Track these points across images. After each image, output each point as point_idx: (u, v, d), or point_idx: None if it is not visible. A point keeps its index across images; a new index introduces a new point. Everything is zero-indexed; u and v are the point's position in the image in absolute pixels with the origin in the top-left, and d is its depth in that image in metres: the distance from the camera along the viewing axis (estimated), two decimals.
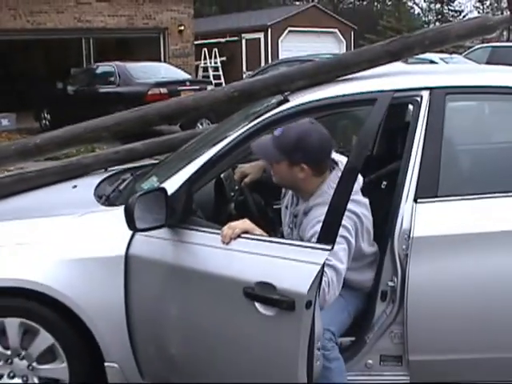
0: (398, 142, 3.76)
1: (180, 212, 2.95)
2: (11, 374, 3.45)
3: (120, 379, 3.32)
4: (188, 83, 16.09)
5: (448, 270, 3.05)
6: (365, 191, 3.15)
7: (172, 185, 3.05)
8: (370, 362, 3.23)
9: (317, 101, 3.31)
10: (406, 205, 3.11)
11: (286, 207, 3.35)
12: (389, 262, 3.11)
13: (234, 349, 2.75)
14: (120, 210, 3.02)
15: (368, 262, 3.20)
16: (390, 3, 43.30)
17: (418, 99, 3.23)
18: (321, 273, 2.41)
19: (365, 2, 56.76)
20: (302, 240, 2.93)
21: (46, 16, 21.58)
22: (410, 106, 3.32)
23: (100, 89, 16.68)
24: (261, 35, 32.23)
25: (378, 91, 3.20)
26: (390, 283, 3.13)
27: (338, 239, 2.68)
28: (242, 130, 3.13)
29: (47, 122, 18.09)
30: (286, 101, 3.41)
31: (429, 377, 3.20)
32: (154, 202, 2.88)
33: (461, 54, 21.01)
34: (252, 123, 3.23)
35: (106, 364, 3.30)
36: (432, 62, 16.87)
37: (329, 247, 2.46)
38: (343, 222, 2.73)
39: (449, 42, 3.57)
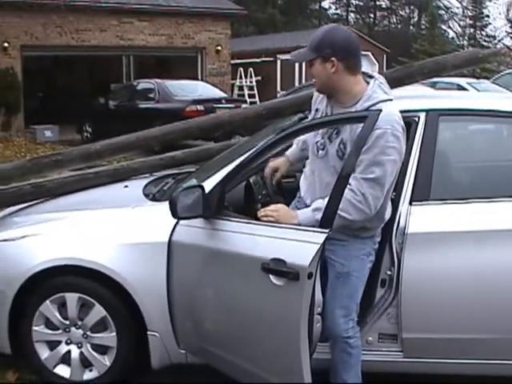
0: None
1: (214, 206, 3.57)
2: (68, 341, 4.12)
3: (159, 346, 3.95)
4: (224, 101, 16.66)
5: (435, 260, 3.66)
6: None
7: (208, 184, 3.69)
8: (370, 339, 3.84)
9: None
10: (403, 206, 3.73)
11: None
12: (387, 254, 3.73)
13: (252, 316, 3.37)
14: (165, 205, 3.65)
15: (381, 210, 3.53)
16: (424, 27, 43.67)
17: (416, 119, 3.86)
18: (320, 250, 3.02)
19: (400, 25, 57.30)
20: (343, 150, 3.37)
21: (90, 34, 22.41)
22: (410, 124, 3.94)
23: (140, 104, 17.39)
24: None
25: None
26: (388, 272, 3.74)
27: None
28: (268, 141, 3.75)
29: (88, 135, 18.81)
30: (306, 118, 4.05)
31: (419, 353, 3.79)
32: (193, 197, 3.52)
33: (489, 79, 21.44)
34: (277, 136, 3.86)
35: (148, 332, 3.93)
36: (459, 86, 17.41)
37: (327, 231, 3.07)
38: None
39: (445, 71, 4.20)
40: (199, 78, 24.60)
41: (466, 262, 3.66)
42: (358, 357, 3.56)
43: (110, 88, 22.12)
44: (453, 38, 54.43)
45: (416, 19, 57.26)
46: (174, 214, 3.48)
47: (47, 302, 4.04)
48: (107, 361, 4.07)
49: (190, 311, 3.80)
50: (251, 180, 4.25)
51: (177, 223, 3.76)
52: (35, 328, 4.09)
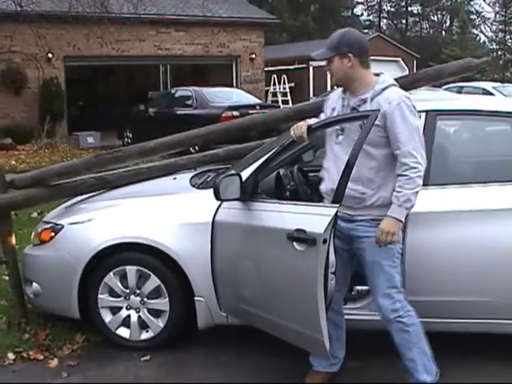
0: None
1: (249, 191, 4.35)
2: (128, 307, 4.92)
3: (204, 309, 4.73)
4: (258, 107, 17.15)
5: (432, 235, 4.41)
6: None
7: (245, 174, 4.45)
8: None
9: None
10: None
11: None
12: None
13: (279, 277, 4.11)
14: (208, 192, 4.45)
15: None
16: (455, 32, 43.97)
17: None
18: (333, 220, 3.77)
19: (431, 31, 57.67)
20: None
21: (130, 44, 23.42)
22: None
23: (178, 110, 18.18)
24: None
25: None
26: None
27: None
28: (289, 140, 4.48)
29: (129, 140, 19.60)
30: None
31: (423, 314, 4.50)
32: (233, 183, 4.31)
33: None
34: None
35: (195, 298, 4.72)
36: (485, 90, 18.01)
37: (337, 205, 3.81)
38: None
39: (443, 77, 4.95)
40: (234, 85, 25.45)
41: (458, 234, 4.40)
42: (416, 334, 3.99)
43: (148, 95, 23.04)
44: (484, 43, 54.73)
45: (448, 24, 57.65)
46: (217, 197, 4.27)
47: (111, 273, 4.86)
48: (161, 323, 4.88)
49: (230, 279, 4.57)
50: (281, 172, 5.01)
51: (219, 206, 4.56)
52: (100, 296, 4.91)
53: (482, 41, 54.34)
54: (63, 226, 5.05)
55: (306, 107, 5.33)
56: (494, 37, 52.48)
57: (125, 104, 23.29)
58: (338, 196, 3.80)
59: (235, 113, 16.29)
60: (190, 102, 18.21)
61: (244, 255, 4.40)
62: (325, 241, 3.73)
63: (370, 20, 64.35)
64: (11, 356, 4.86)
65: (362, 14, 64.74)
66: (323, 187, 4.16)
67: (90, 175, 5.42)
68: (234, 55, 26.15)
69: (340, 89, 4.20)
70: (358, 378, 4.44)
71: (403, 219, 3.89)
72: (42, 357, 4.86)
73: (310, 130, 4.05)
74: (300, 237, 3.84)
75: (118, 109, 23.10)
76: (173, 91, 20.62)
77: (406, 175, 3.80)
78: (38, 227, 5.33)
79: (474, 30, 50.64)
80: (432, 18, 60.79)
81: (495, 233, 4.38)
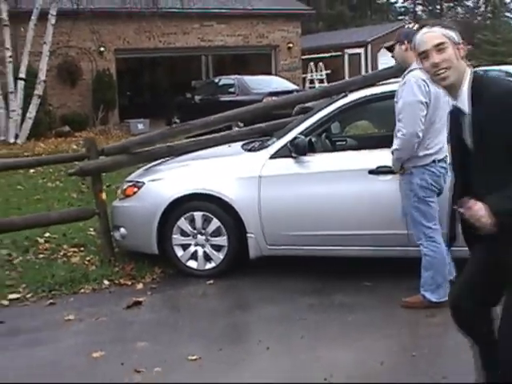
0: None
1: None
2: (195, 244, 6.34)
3: (254, 243, 6.18)
4: (295, 93, 18.46)
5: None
6: None
7: (286, 139, 5.98)
8: None
9: (359, 98, 6.14)
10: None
11: None
12: None
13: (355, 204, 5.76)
14: (255, 154, 6.01)
15: None
16: (489, 16, 44.46)
17: None
18: None
19: (467, 16, 58.18)
20: None
21: (175, 36, 25.01)
22: None
23: (222, 97, 19.55)
24: (361, 50, 34.86)
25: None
26: None
27: None
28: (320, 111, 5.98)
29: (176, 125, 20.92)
30: (346, 96, 6.25)
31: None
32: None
33: None
34: (326, 108, 6.11)
35: (247, 234, 6.15)
36: (508, 73, 19.11)
37: None
38: None
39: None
40: (273, 72, 26.83)
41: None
42: (432, 261, 5.15)
43: (191, 84, 24.42)
44: None
45: (482, 9, 58.13)
46: (302, 152, 5.88)
47: (182, 218, 6.29)
48: (221, 255, 6.30)
49: (274, 219, 6.04)
50: (313, 139, 6.43)
51: (263, 165, 6.04)
52: (174, 236, 6.34)
53: None
54: (144, 183, 6.53)
55: (330, 88, 6.77)
56: None
57: (170, 93, 24.85)
58: None
59: (275, 98, 17.47)
60: (232, 90, 19.54)
61: (288, 201, 5.95)
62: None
63: (405, 7, 65.06)
64: (106, 282, 6.33)
65: (396, 2, 65.40)
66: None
67: (163, 144, 6.93)
68: (273, 45, 27.54)
69: None
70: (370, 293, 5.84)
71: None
72: (129, 283, 6.31)
73: None
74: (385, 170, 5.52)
75: (163, 97, 24.63)
76: (216, 80, 21.98)
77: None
78: (123, 185, 6.83)
79: (508, 14, 50.93)
80: (466, 2, 61.43)
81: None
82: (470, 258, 3.28)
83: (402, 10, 64.76)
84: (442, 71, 2.99)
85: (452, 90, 3.04)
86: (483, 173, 2.99)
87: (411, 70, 5.06)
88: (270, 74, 25.62)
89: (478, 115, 2.94)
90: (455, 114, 3.10)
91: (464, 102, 2.99)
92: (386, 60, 33.90)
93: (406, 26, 5.37)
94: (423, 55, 3.05)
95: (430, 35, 3.05)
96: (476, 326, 3.30)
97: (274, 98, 17.33)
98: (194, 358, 4.55)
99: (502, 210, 2.83)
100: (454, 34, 3.06)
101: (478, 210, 2.83)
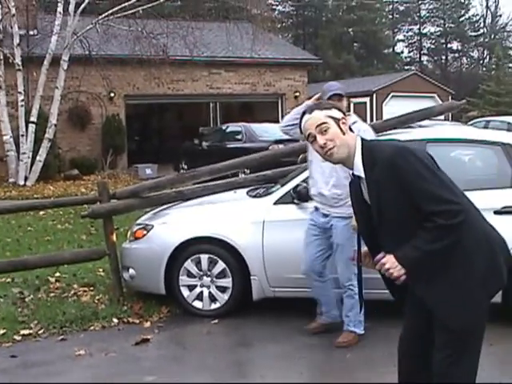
0: None
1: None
2: (201, 285, 6.61)
3: (258, 285, 6.45)
4: (301, 141, 18.77)
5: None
6: None
7: (289, 186, 6.28)
8: None
9: None
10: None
11: None
12: None
13: None
14: (260, 200, 6.35)
15: None
16: (493, 67, 44.98)
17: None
18: None
19: (471, 67, 58.98)
20: None
21: (184, 84, 25.55)
22: None
23: (229, 144, 19.78)
24: (367, 99, 35.50)
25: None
26: None
27: None
28: None
29: (184, 171, 21.21)
30: None
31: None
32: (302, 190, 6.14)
33: None
34: None
35: (251, 277, 6.44)
36: (510, 124, 19.43)
37: None
38: None
39: (433, 115, 6.70)
40: (279, 120, 26.85)
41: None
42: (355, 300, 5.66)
43: (199, 131, 24.77)
44: None
45: (487, 60, 59.00)
46: (304, 199, 6.14)
47: (189, 260, 6.57)
48: (226, 296, 6.55)
49: (277, 262, 6.33)
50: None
51: (267, 210, 6.35)
52: (181, 277, 6.61)
53: None
54: (153, 226, 6.84)
55: None
56: None
57: (178, 138, 25.22)
58: None
59: (281, 146, 17.78)
60: (239, 137, 19.82)
61: (287, 247, 6.25)
62: None
63: (410, 57, 66.06)
64: (115, 320, 6.59)
65: (402, 52, 66.52)
66: (313, 192, 5.84)
67: (172, 190, 7.26)
68: (280, 93, 28.08)
69: None
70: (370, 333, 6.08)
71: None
72: (137, 321, 6.57)
73: None
74: None
75: (171, 143, 25.02)
76: (224, 127, 22.30)
77: None
78: (133, 227, 7.14)
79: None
80: (471, 53, 62.35)
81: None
82: (405, 313, 3.58)
83: (408, 60, 65.75)
84: (329, 151, 3.24)
85: (346, 162, 3.28)
86: (388, 231, 3.26)
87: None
88: (276, 121, 25.91)
89: (373, 181, 3.20)
90: (355, 181, 3.36)
91: (360, 170, 3.25)
92: (391, 109, 34.72)
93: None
94: (311, 139, 3.31)
95: (311, 122, 3.29)
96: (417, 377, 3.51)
97: (280, 145, 18.04)
98: None
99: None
100: (333, 112, 3.30)
101: (388, 264, 3.14)
